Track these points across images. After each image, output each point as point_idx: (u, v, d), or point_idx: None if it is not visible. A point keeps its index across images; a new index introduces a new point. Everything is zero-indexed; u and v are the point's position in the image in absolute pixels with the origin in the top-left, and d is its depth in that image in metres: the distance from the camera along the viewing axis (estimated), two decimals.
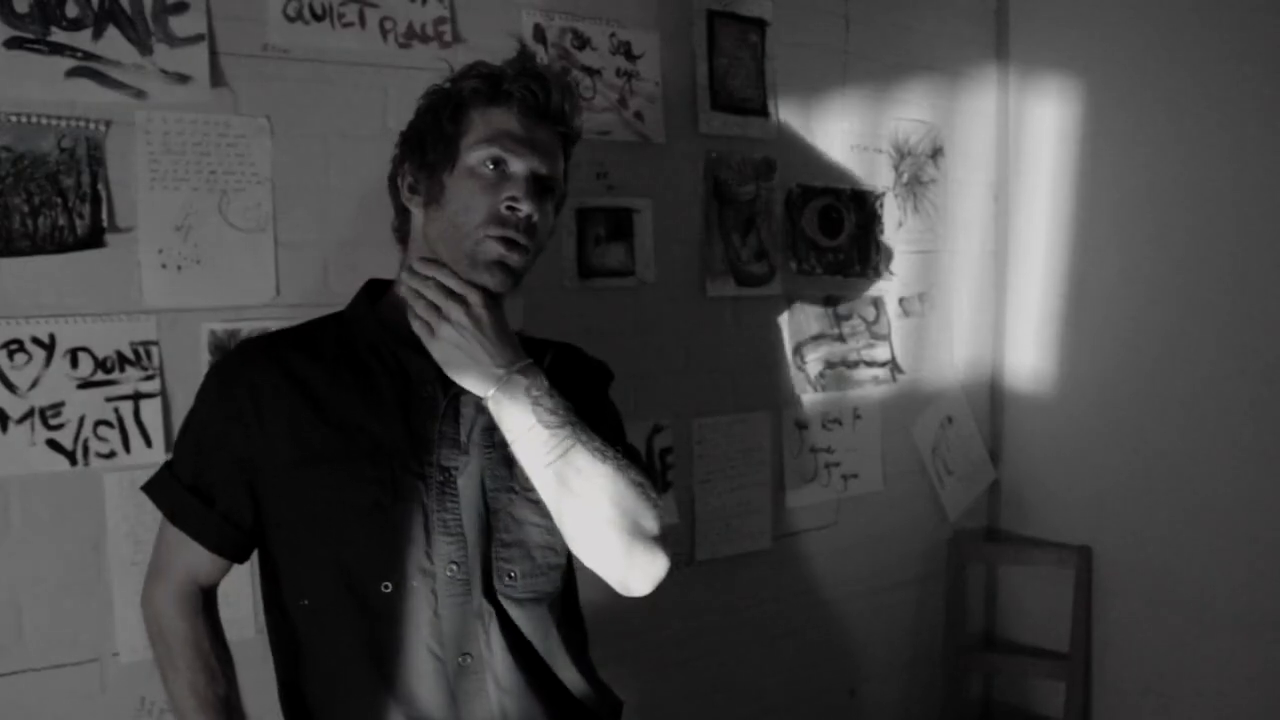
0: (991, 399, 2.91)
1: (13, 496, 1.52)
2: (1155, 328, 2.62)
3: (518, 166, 1.20)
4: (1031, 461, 2.88)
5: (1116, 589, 2.72)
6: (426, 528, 1.18)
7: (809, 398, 2.47)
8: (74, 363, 1.55)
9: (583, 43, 2.04)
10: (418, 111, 1.28)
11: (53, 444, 1.54)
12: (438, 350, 1.17)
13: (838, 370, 2.52)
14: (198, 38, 1.62)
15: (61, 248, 1.53)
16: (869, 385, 2.59)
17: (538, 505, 1.21)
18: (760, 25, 2.32)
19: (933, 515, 2.80)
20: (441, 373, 1.19)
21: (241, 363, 1.24)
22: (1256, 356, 2.46)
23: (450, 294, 1.17)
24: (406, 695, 1.18)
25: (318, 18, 1.72)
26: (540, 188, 1.21)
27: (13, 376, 1.51)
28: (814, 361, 2.47)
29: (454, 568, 1.18)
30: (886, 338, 2.62)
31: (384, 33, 1.79)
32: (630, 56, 2.11)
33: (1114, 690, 2.74)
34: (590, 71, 2.05)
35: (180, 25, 1.60)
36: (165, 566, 1.26)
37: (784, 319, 2.42)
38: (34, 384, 1.53)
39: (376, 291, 1.31)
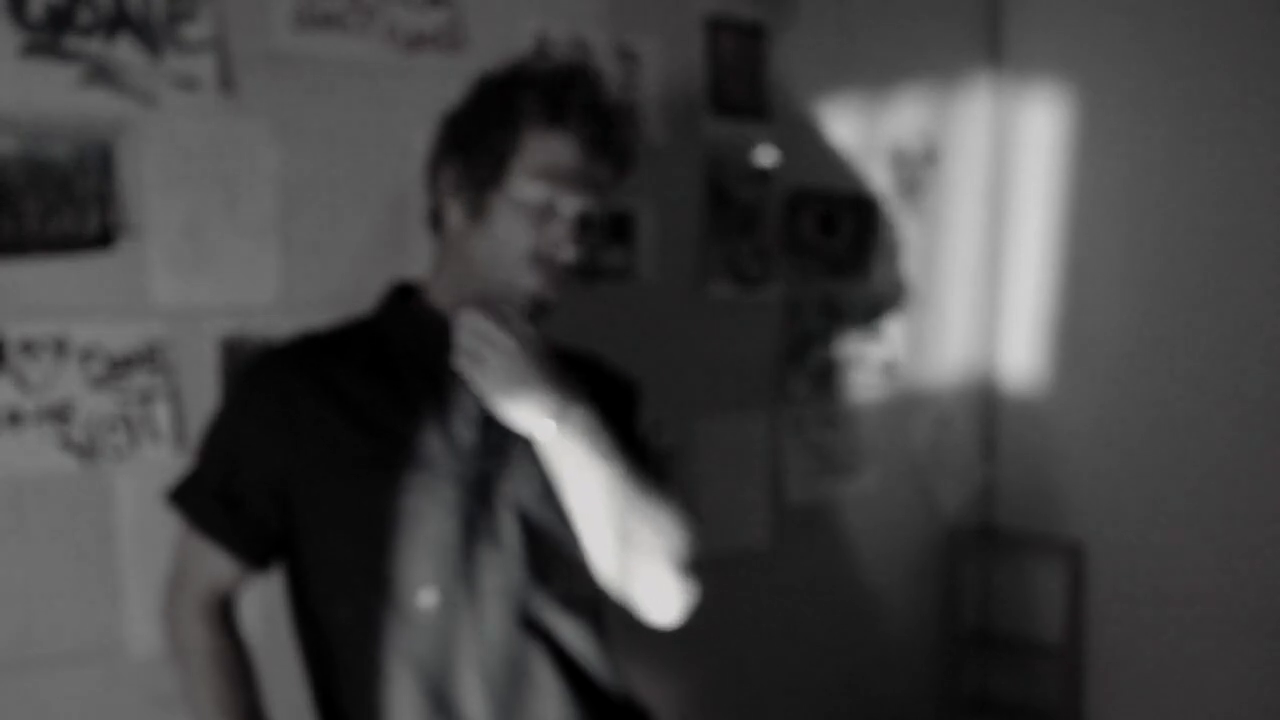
0: (986, 399, 2.94)
1: (24, 495, 1.54)
2: (1149, 329, 2.65)
3: (569, 208, 1.15)
4: (1026, 460, 2.91)
5: (1109, 585, 2.75)
6: (468, 537, 1.15)
7: (807, 398, 2.49)
8: (85, 363, 1.57)
9: (584, 48, 2.06)
10: (468, 103, 1.21)
11: (64, 443, 1.56)
12: (486, 382, 1.11)
13: (835, 371, 2.55)
14: (207, 44, 1.64)
15: (73, 250, 1.55)
16: (866, 385, 2.62)
17: (568, 522, 1.19)
18: (759, 31, 2.34)
19: (928, 513, 2.83)
20: None
21: (274, 369, 1.20)
22: (1250, 358, 2.49)
23: (500, 322, 1.12)
24: (452, 708, 1.14)
25: (325, 24, 1.75)
26: (586, 225, 1.18)
27: (25, 376, 1.53)
28: (812, 362, 2.50)
29: (497, 577, 1.16)
30: (883, 339, 2.65)
31: (390, 38, 1.81)
32: (631, 61, 2.13)
33: (1107, 684, 2.77)
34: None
35: (190, 31, 1.62)
36: (187, 578, 1.23)
37: (782, 320, 2.45)
38: (46, 384, 1.55)
39: (406, 294, 1.28)
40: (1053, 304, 2.82)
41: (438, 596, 1.14)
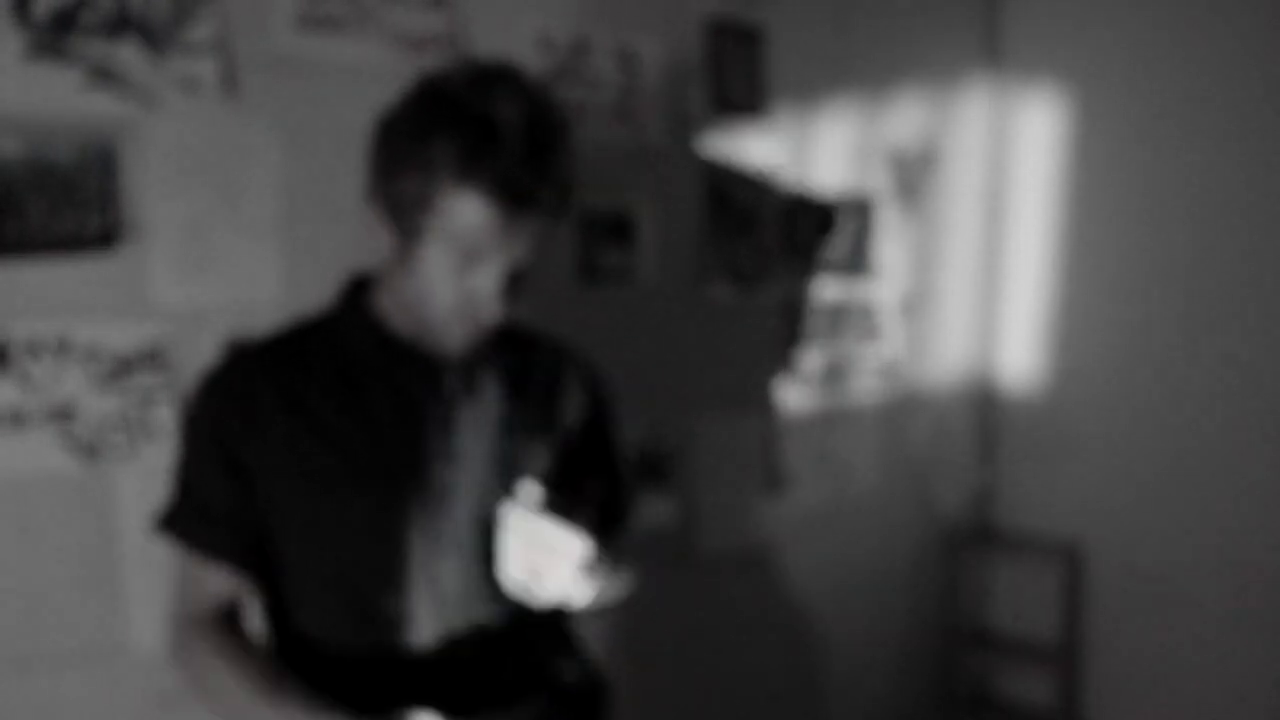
0: (985, 400, 2.95)
1: (27, 495, 1.54)
2: (1146, 330, 2.66)
3: (488, 266, 1.07)
4: (1024, 461, 2.92)
5: (1106, 585, 2.76)
6: (427, 543, 1.16)
7: (806, 398, 2.50)
8: (87, 363, 1.58)
9: (585, 50, 2.07)
10: (393, 123, 1.12)
11: (67, 443, 1.57)
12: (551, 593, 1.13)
13: (834, 371, 2.56)
14: (209, 45, 1.64)
15: (76, 250, 1.56)
16: (865, 386, 2.63)
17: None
18: (758, 33, 2.35)
19: (927, 513, 2.84)
20: (436, 386, 1.17)
21: (230, 379, 1.18)
22: (1249, 358, 2.50)
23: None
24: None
25: (327, 26, 1.75)
26: (515, 279, 1.10)
27: (28, 376, 1.54)
28: (811, 363, 2.51)
29: (458, 583, 1.18)
30: (882, 340, 2.66)
31: (392, 40, 1.82)
32: (631, 62, 2.14)
33: (1103, 684, 2.78)
34: (592, 78, 2.08)
35: (192, 34, 1.63)
36: (192, 603, 1.20)
37: (781, 321, 2.45)
38: (48, 384, 1.55)
39: (359, 291, 1.23)
40: (1051, 305, 2.83)
41: (402, 604, 1.15)
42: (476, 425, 1.19)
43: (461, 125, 1.03)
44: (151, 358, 1.62)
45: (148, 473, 1.60)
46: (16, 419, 1.53)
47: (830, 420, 2.56)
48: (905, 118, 2.67)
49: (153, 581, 1.61)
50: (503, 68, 1.10)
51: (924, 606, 2.85)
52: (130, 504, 1.61)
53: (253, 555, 1.18)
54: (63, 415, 1.56)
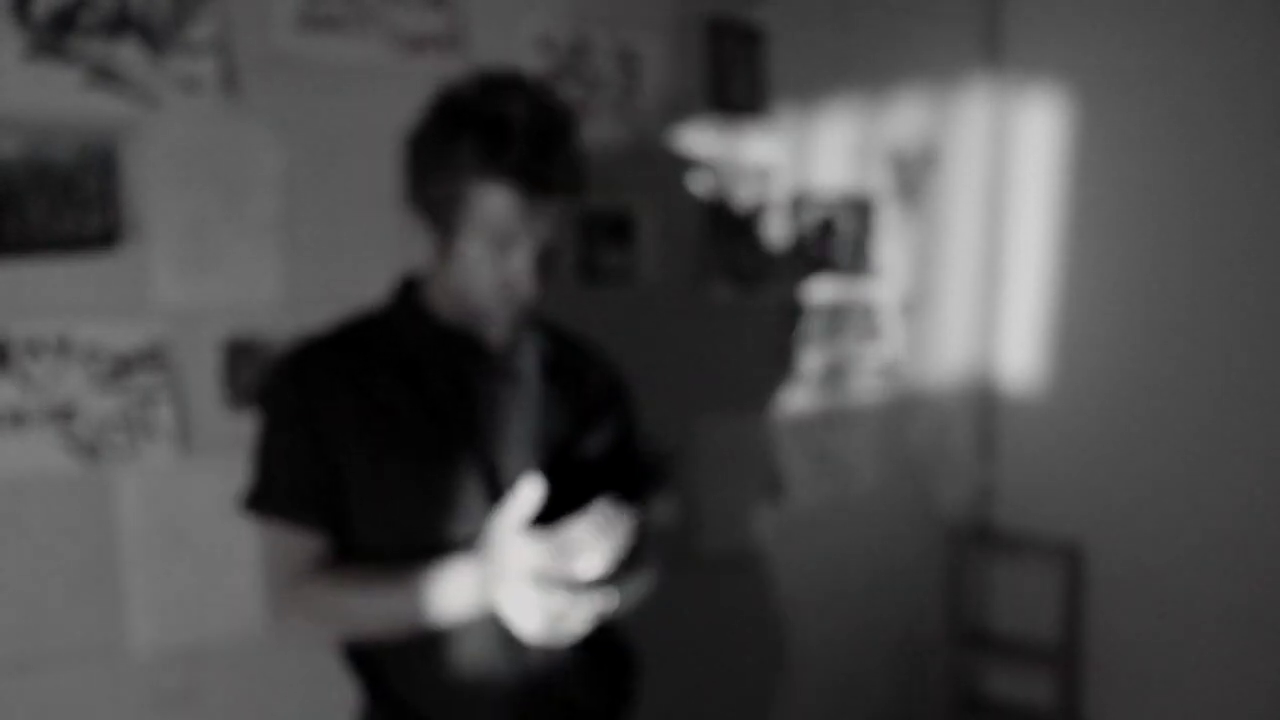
0: (985, 400, 2.95)
1: (27, 495, 1.54)
2: (1146, 329, 2.66)
3: (520, 249, 1.21)
4: (1024, 461, 2.92)
5: (1107, 585, 2.76)
6: (480, 504, 1.27)
7: (806, 398, 2.50)
8: (88, 363, 1.58)
9: (585, 49, 2.07)
10: (418, 137, 1.24)
11: (67, 443, 1.57)
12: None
13: (835, 372, 2.56)
14: (209, 45, 1.64)
15: (76, 250, 1.56)
16: (866, 386, 2.63)
17: (565, 491, 1.31)
18: (758, 33, 2.35)
19: (927, 514, 2.84)
20: (483, 367, 1.31)
21: (305, 364, 1.29)
22: (1249, 358, 2.50)
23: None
24: (465, 649, 1.27)
25: (327, 26, 1.75)
26: (545, 256, 1.23)
27: (29, 375, 1.54)
28: (812, 363, 2.51)
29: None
30: (883, 340, 2.66)
31: (392, 40, 1.82)
32: (631, 62, 2.14)
33: (1104, 685, 2.78)
34: (592, 78, 2.08)
35: (193, 33, 1.63)
36: (286, 573, 1.28)
37: (782, 321, 2.45)
38: (49, 384, 1.55)
39: (411, 289, 1.35)
40: (1051, 305, 2.83)
41: (458, 555, 1.25)
42: (519, 402, 1.32)
43: (479, 127, 1.17)
44: (152, 357, 1.62)
45: (148, 473, 1.61)
46: (16, 419, 1.53)
47: (830, 420, 2.56)
48: (906, 117, 2.68)
49: (151, 581, 1.61)
50: (509, 73, 1.23)
51: (924, 606, 2.85)
52: (130, 504, 1.61)
53: (334, 522, 1.28)
54: (63, 415, 1.56)
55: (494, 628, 1.26)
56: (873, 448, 2.66)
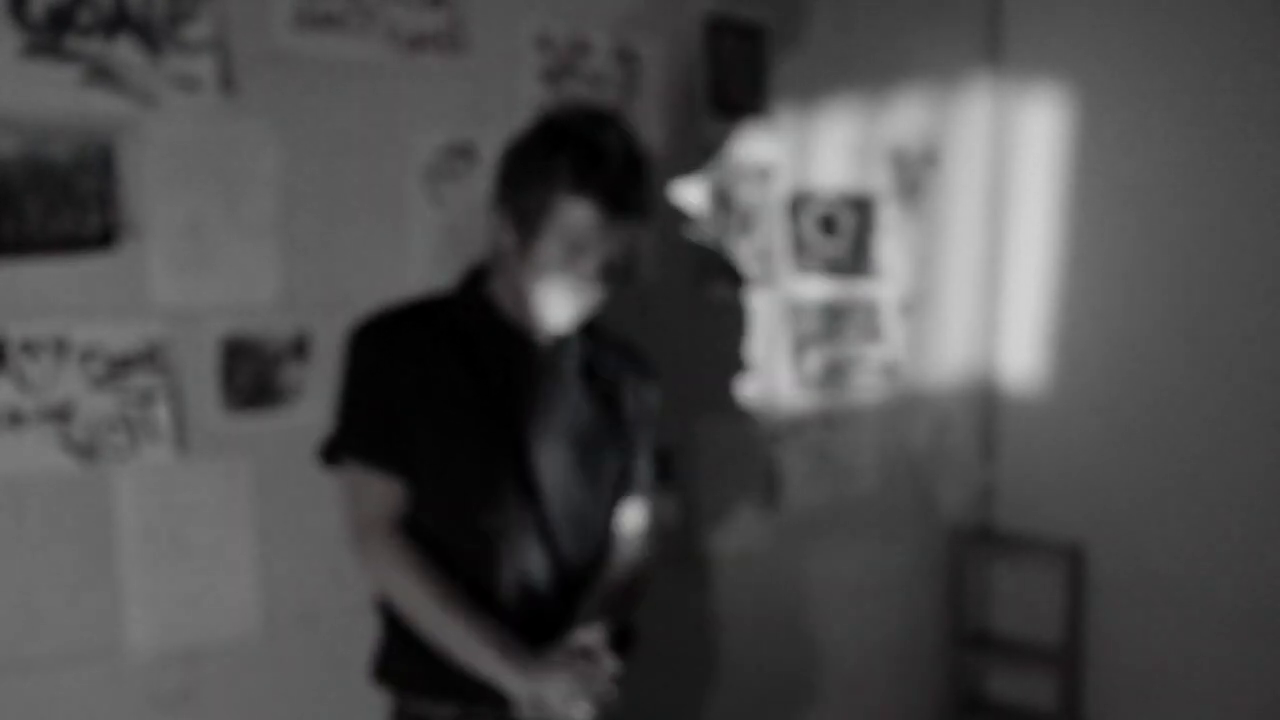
0: (986, 400, 2.95)
1: (25, 495, 1.54)
2: (1148, 329, 2.65)
3: (589, 258, 1.38)
4: (1026, 461, 2.92)
5: (1109, 586, 2.76)
6: (518, 484, 1.45)
7: (807, 398, 2.50)
8: (85, 363, 1.57)
9: (584, 48, 2.07)
10: (520, 147, 1.42)
11: (64, 443, 1.56)
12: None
13: (836, 371, 2.55)
14: (207, 44, 1.64)
15: (74, 250, 1.55)
16: (866, 386, 2.62)
17: (591, 487, 1.52)
18: (759, 31, 2.35)
19: (929, 514, 2.83)
20: (530, 357, 1.47)
21: (385, 328, 1.46)
22: (1251, 358, 2.50)
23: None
24: (499, 606, 1.45)
25: (326, 24, 1.75)
26: (609, 269, 1.40)
27: (26, 376, 1.53)
28: (812, 362, 2.50)
29: (532, 521, 1.46)
30: (884, 339, 2.65)
31: (391, 38, 1.81)
32: (631, 62, 2.14)
33: (1106, 685, 2.77)
34: (592, 77, 2.08)
35: (190, 32, 1.62)
36: (368, 516, 1.46)
37: (783, 320, 2.45)
38: (46, 384, 1.55)
39: (478, 278, 1.51)
40: (1052, 305, 2.83)
41: (493, 521, 1.44)
42: (557, 400, 1.49)
43: (576, 149, 1.36)
44: (149, 358, 1.62)
45: (145, 473, 1.60)
46: (14, 419, 1.53)
47: (831, 420, 2.55)
48: (906, 117, 2.67)
49: (150, 580, 1.61)
50: (607, 110, 1.47)
51: (925, 607, 2.85)
52: (128, 504, 1.60)
53: (410, 469, 1.44)
54: (60, 415, 1.56)
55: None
56: (873, 448, 2.65)
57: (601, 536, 1.57)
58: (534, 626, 1.46)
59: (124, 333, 1.59)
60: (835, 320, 2.55)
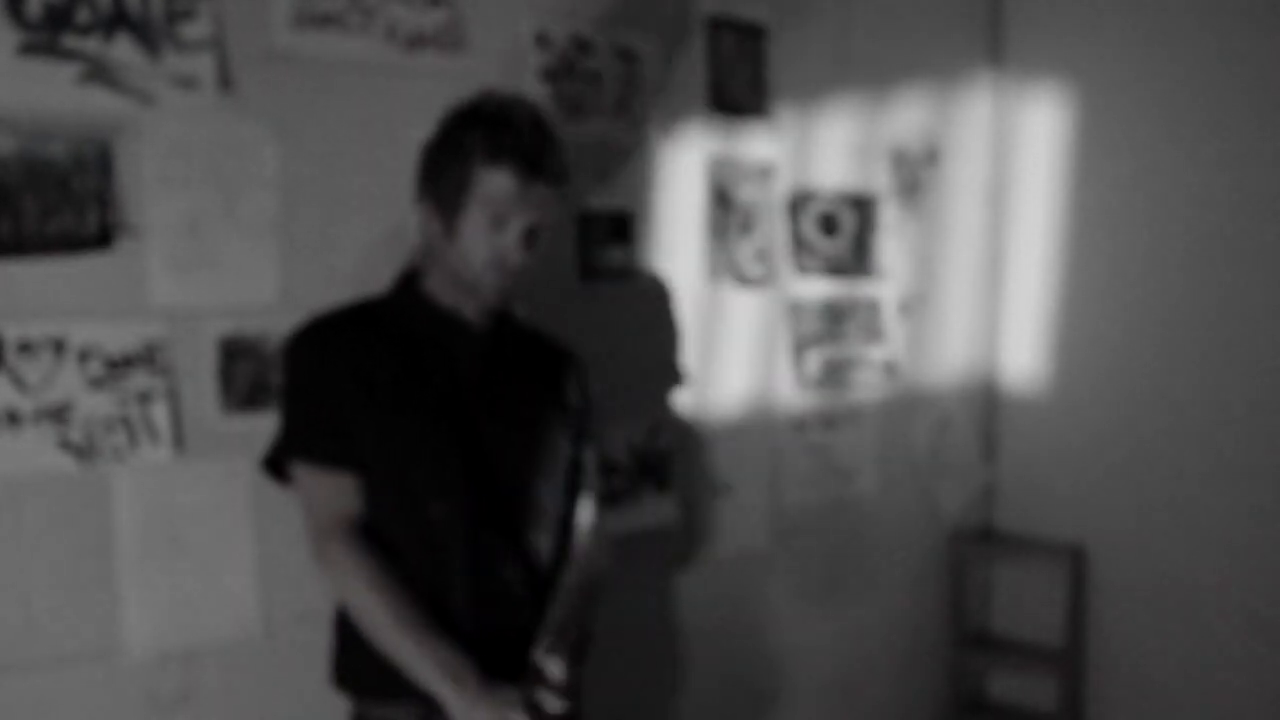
0: (987, 400, 2.94)
1: (23, 495, 1.53)
2: (1150, 330, 2.65)
3: (513, 225, 1.44)
4: (1027, 462, 2.91)
5: (1110, 587, 2.75)
6: (469, 471, 1.47)
7: (807, 398, 2.49)
8: (83, 363, 1.57)
9: (584, 47, 2.06)
10: (435, 138, 1.48)
11: (62, 443, 1.56)
12: None
13: (836, 371, 2.55)
14: (206, 43, 1.63)
15: (71, 249, 1.55)
16: (867, 386, 2.62)
17: (546, 473, 1.55)
18: (759, 31, 2.34)
19: (929, 515, 2.83)
20: (470, 345, 1.51)
21: (324, 331, 1.50)
22: (1250, 357, 2.49)
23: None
24: (447, 602, 1.46)
25: (325, 23, 1.74)
26: (532, 234, 1.45)
27: (23, 376, 1.53)
28: (813, 362, 2.50)
29: (480, 496, 1.48)
30: (884, 339, 2.65)
31: (390, 38, 1.81)
32: (631, 61, 2.13)
33: (1107, 686, 2.77)
34: (592, 76, 2.07)
35: (189, 31, 1.62)
36: (323, 517, 1.47)
37: (783, 320, 2.44)
38: (44, 384, 1.54)
39: (412, 279, 1.56)
40: (1054, 304, 2.82)
41: (445, 509, 1.46)
42: (503, 379, 1.54)
43: (486, 122, 1.43)
44: (148, 358, 1.61)
45: (144, 473, 1.60)
46: (12, 419, 1.52)
47: (831, 420, 2.55)
48: (907, 116, 2.67)
49: (148, 581, 1.61)
50: (511, 92, 1.52)
51: (926, 608, 2.84)
52: (126, 504, 1.60)
53: (362, 463, 1.46)
54: (58, 415, 1.55)
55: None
56: (873, 448, 2.65)
57: (562, 525, 1.58)
58: (502, 621, 1.48)
59: (122, 333, 1.59)
60: (835, 320, 2.54)
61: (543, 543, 1.55)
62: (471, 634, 1.46)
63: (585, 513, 1.63)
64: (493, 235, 1.43)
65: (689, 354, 2.27)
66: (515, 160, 1.41)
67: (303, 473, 1.48)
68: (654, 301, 2.21)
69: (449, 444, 1.47)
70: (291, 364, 1.50)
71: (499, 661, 1.44)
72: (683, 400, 2.26)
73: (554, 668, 1.40)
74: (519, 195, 1.42)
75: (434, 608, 1.45)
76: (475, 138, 1.42)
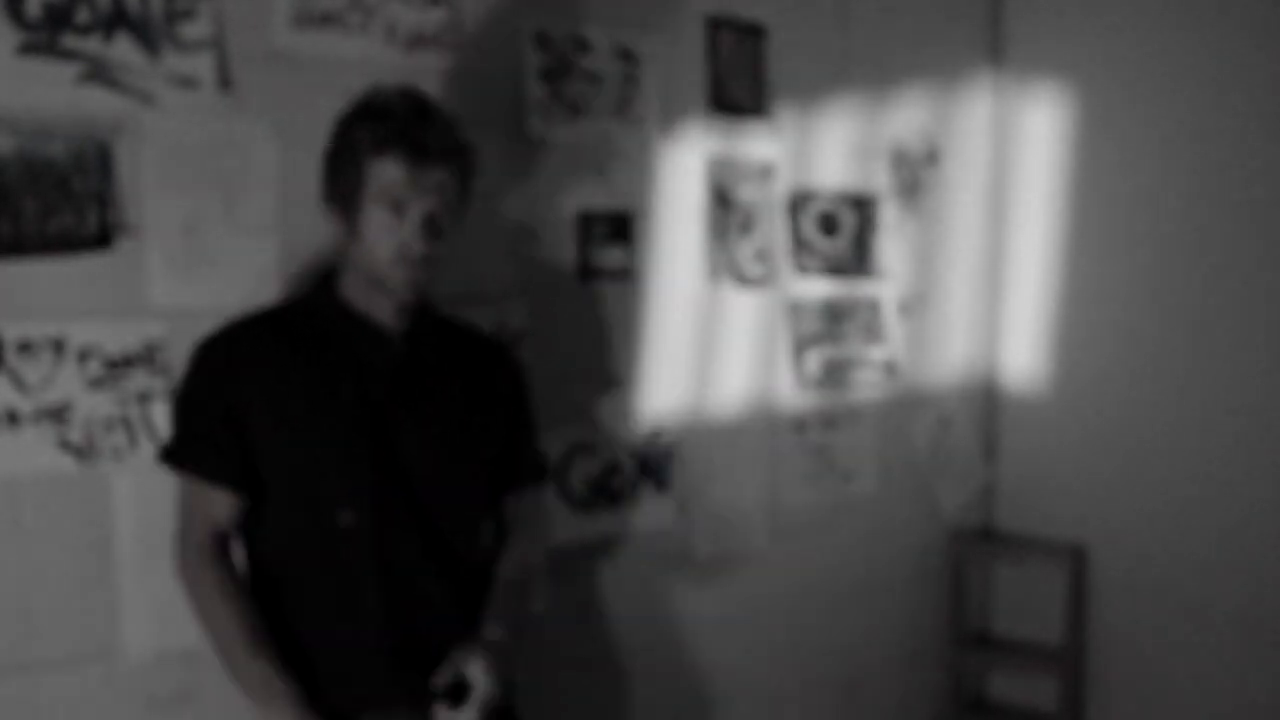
0: (987, 399, 2.94)
1: (22, 495, 1.53)
2: (1149, 329, 2.65)
3: (411, 214, 1.42)
4: (1027, 461, 2.91)
5: (1110, 586, 2.75)
6: (383, 477, 1.47)
7: (807, 398, 2.49)
8: (83, 363, 1.57)
9: (584, 47, 2.06)
10: (326, 151, 1.48)
11: (62, 443, 1.56)
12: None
13: (836, 371, 2.54)
14: (205, 43, 1.63)
15: (71, 249, 1.55)
16: (867, 386, 2.62)
17: (468, 474, 1.55)
18: (759, 30, 2.34)
19: (930, 514, 2.82)
20: (384, 349, 1.49)
21: (227, 340, 1.48)
22: (1250, 357, 2.49)
23: None
24: (359, 615, 1.46)
25: (324, 23, 1.74)
26: (432, 221, 1.43)
27: (23, 376, 1.53)
28: (813, 362, 2.50)
29: (399, 509, 1.48)
30: (884, 339, 2.65)
31: (390, 37, 1.81)
32: (630, 60, 2.13)
33: (1107, 686, 2.77)
34: (591, 76, 2.07)
35: (188, 30, 1.62)
36: (189, 529, 1.48)
37: (783, 320, 2.44)
38: (44, 384, 1.54)
39: (328, 280, 1.55)
40: (1054, 304, 2.82)
41: (354, 517, 1.45)
42: (420, 380, 1.52)
43: (369, 116, 1.44)
44: (147, 358, 1.61)
45: (143, 473, 1.60)
46: (11, 419, 1.52)
47: (831, 420, 2.55)
48: (908, 115, 2.66)
49: (147, 581, 1.60)
50: (396, 84, 1.49)
51: (926, 608, 2.84)
52: (126, 504, 1.60)
53: (244, 480, 1.46)
54: (58, 415, 1.55)
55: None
56: (874, 448, 2.64)
57: (480, 522, 1.59)
58: (422, 629, 1.48)
59: (121, 333, 1.59)
60: (835, 320, 2.54)
61: (466, 545, 1.56)
62: (387, 645, 1.46)
63: (523, 505, 1.64)
64: (394, 228, 1.42)
65: (689, 354, 2.27)
66: (401, 147, 1.40)
67: (181, 481, 1.49)
68: (653, 301, 2.21)
69: (358, 451, 1.46)
70: (192, 372, 1.49)
71: (418, 673, 1.44)
72: (683, 400, 2.26)
73: (476, 671, 1.41)
74: (411, 181, 1.40)
75: (342, 618, 1.45)
76: (362, 133, 1.42)
